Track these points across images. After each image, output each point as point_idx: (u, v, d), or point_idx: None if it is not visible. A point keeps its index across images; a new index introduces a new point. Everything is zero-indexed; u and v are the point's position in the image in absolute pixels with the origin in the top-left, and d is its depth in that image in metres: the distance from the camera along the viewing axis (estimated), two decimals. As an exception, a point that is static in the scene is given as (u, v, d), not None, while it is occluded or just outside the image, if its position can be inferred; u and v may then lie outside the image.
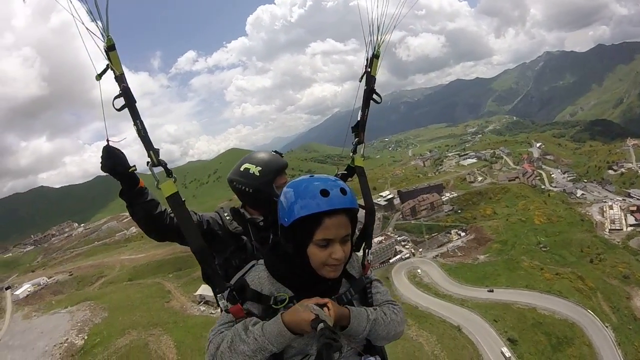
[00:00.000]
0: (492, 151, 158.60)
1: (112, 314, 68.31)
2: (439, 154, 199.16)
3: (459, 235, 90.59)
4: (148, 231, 2.53)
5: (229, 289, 1.86)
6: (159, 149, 2.21)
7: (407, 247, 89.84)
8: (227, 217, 2.76)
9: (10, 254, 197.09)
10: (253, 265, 1.96)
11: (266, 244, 2.41)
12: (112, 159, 2.24)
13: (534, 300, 62.99)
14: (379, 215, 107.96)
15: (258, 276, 1.88)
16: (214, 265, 2.01)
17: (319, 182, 1.72)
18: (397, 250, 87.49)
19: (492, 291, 68.30)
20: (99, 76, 2.13)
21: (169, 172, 2.22)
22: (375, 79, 2.72)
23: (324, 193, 1.65)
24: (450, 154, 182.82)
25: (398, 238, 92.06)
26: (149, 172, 2.21)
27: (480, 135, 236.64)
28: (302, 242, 1.71)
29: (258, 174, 2.74)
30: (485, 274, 74.36)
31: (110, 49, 2.06)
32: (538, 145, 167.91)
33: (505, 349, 54.02)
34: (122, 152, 2.28)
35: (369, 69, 2.69)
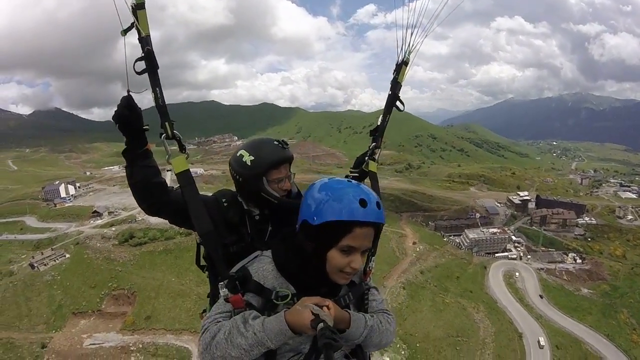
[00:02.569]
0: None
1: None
2: (602, 176, 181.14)
3: (574, 260, 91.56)
4: (141, 199, 2.35)
5: (231, 277, 1.87)
6: (174, 122, 2.19)
7: (519, 249, 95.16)
8: (225, 204, 2.58)
9: (175, 147, 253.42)
10: (257, 256, 2.01)
11: (263, 236, 2.51)
12: (130, 111, 2.10)
13: (606, 351, 65.76)
14: (507, 211, 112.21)
15: (263, 268, 1.91)
16: (220, 251, 2.04)
17: (357, 189, 1.76)
18: (507, 248, 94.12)
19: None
20: (124, 32, 2.02)
21: (182, 147, 2.24)
22: (401, 85, 2.76)
23: (363, 203, 1.69)
24: (612, 180, 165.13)
25: (514, 237, 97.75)
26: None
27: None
28: (326, 243, 1.74)
29: (249, 164, 2.48)
30: (577, 306, 77.56)
31: (139, 7, 1.99)
32: None
33: (542, 338, 64.69)
34: (139, 108, 2.15)
35: (397, 75, 2.72)
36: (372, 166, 2.75)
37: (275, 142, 2.57)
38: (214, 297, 2.43)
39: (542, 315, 73.77)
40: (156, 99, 2.07)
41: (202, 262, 2.52)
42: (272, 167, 2.48)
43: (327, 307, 1.68)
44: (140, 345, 60.22)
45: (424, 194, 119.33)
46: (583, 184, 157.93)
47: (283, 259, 1.92)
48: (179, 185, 2.15)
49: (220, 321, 1.77)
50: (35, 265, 74.48)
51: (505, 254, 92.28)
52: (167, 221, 2.48)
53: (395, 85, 2.72)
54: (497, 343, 65.05)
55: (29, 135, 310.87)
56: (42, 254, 78.54)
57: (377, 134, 2.80)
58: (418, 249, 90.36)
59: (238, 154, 2.56)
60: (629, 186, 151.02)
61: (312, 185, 1.87)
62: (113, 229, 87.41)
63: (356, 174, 2.80)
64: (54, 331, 62.64)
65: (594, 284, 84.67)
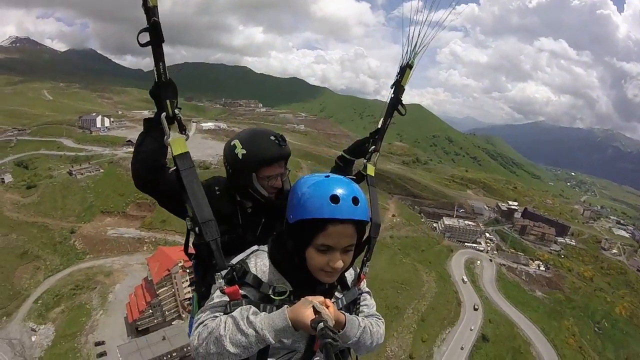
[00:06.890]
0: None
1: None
2: (606, 214, 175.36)
3: (538, 267, 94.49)
4: (137, 174, 2.29)
5: (229, 268, 1.81)
6: (177, 101, 2.04)
7: (489, 244, 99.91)
8: (217, 192, 2.44)
9: (202, 104, 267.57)
10: (254, 251, 1.97)
11: (256, 229, 2.44)
12: (173, 85, 2.01)
13: (537, 341, 70.03)
14: (492, 215, 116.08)
15: (261, 263, 1.86)
16: (219, 241, 1.90)
17: (332, 185, 1.65)
18: (478, 240, 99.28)
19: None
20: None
21: (182, 128, 2.09)
22: (404, 89, 2.65)
23: (334, 200, 1.59)
24: (612, 217, 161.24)
25: (487, 234, 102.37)
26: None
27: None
28: (303, 242, 1.69)
29: (240, 157, 2.32)
30: (526, 302, 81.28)
31: None
32: None
33: (465, 278, 76.12)
34: (176, 86, 2.04)
35: (400, 78, 2.63)
36: (370, 170, 2.68)
37: (272, 138, 2.37)
38: (197, 285, 2.46)
39: (488, 297, 78.58)
40: (159, 74, 1.93)
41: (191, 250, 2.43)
42: (263, 164, 2.34)
43: (328, 306, 1.62)
44: (153, 239, 74.66)
45: (419, 183, 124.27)
46: (584, 215, 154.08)
47: (277, 255, 1.89)
48: (175, 167, 2.01)
49: (217, 316, 1.68)
50: (74, 172, 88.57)
51: (475, 245, 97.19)
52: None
53: (398, 88, 2.67)
54: (435, 300, 71.32)
55: (62, 71, 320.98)
56: (80, 165, 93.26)
57: (377, 136, 2.76)
58: (395, 220, 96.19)
59: (232, 144, 2.39)
60: (626, 225, 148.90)
61: (297, 181, 1.82)
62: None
63: (352, 177, 2.68)
64: (83, 223, 76.85)
65: (550, 291, 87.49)
